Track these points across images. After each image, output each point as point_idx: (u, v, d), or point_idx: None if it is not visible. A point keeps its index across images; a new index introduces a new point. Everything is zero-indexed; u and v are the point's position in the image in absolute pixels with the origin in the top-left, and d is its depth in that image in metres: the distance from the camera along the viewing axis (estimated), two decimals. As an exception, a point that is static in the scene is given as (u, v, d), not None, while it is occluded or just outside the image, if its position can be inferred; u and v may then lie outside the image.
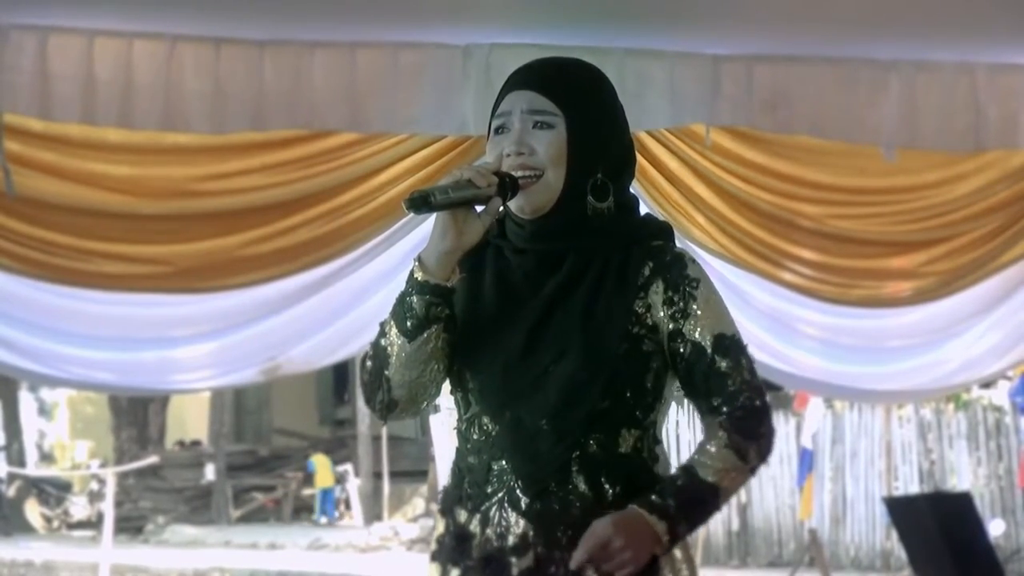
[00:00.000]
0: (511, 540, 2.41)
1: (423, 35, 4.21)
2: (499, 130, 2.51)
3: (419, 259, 2.44)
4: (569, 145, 2.46)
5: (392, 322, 2.44)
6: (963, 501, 7.02)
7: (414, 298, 2.42)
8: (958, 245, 4.76)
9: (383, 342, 2.46)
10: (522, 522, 2.40)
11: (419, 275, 2.42)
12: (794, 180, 4.63)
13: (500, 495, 2.42)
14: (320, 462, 20.85)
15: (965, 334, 4.94)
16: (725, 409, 2.43)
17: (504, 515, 2.42)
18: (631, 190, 2.60)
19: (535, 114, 2.47)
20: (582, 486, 2.40)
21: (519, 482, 2.41)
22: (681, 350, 2.45)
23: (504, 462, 2.43)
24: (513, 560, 2.40)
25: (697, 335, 2.44)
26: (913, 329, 4.90)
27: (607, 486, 2.40)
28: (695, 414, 2.52)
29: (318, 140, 4.32)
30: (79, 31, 4.05)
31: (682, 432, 12.80)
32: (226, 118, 4.14)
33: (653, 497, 2.37)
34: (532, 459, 2.41)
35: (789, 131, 4.46)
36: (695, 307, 2.45)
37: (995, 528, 12.15)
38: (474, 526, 2.45)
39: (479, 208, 2.42)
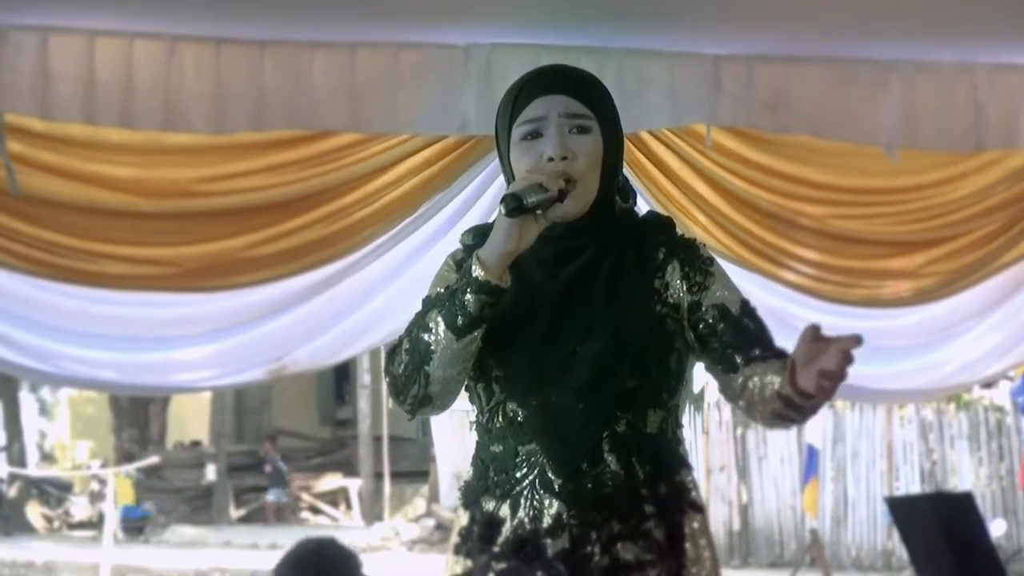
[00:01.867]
0: (545, 522, 2.42)
1: (424, 35, 4.21)
2: (531, 135, 2.50)
3: (478, 258, 2.43)
4: (604, 150, 2.50)
5: (439, 319, 2.43)
6: (964, 501, 7.01)
7: (469, 296, 2.41)
8: (959, 245, 4.77)
9: (427, 337, 2.44)
10: (556, 503, 2.41)
11: (479, 273, 2.41)
12: (795, 180, 4.63)
13: (531, 478, 2.44)
14: (120, 482, 19.98)
15: (966, 334, 4.94)
16: (767, 353, 2.42)
17: (536, 497, 2.43)
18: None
19: (573, 118, 2.48)
20: (614, 465, 2.42)
21: (550, 463, 2.43)
22: (704, 315, 2.48)
23: (533, 445, 2.44)
24: (548, 542, 2.41)
25: (720, 301, 2.48)
26: (914, 329, 4.90)
27: (637, 465, 2.42)
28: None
29: (321, 140, 4.33)
30: (79, 31, 4.06)
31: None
32: (227, 118, 4.14)
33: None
34: (563, 440, 2.42)
35: (789, 131, 4.46)
36: (713, 281, 2.51)
37: (996, 528, 12.15)
38: (504, 512, 2.45)
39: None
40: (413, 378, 2.47)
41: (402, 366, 2.48)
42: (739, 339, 2.46)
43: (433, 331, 2.44)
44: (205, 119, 4.13)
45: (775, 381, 2.36)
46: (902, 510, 7.34)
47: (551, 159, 2.46)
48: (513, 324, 2.48)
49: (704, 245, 2.56)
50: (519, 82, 2.55)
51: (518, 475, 2.45)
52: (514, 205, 2.36)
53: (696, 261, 2.52)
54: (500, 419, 2.48)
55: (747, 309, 2.50)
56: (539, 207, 2.40)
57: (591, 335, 2.44)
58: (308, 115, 4.19)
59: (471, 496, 2.53)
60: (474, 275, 2.41)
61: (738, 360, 2.45)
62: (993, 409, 14.24)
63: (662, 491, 2.44)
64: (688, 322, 2.49)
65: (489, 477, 2.49)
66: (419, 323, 2.46)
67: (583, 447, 2.42)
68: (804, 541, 12.78)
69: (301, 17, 4.06)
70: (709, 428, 13.71)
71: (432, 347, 2.44)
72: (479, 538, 2.48)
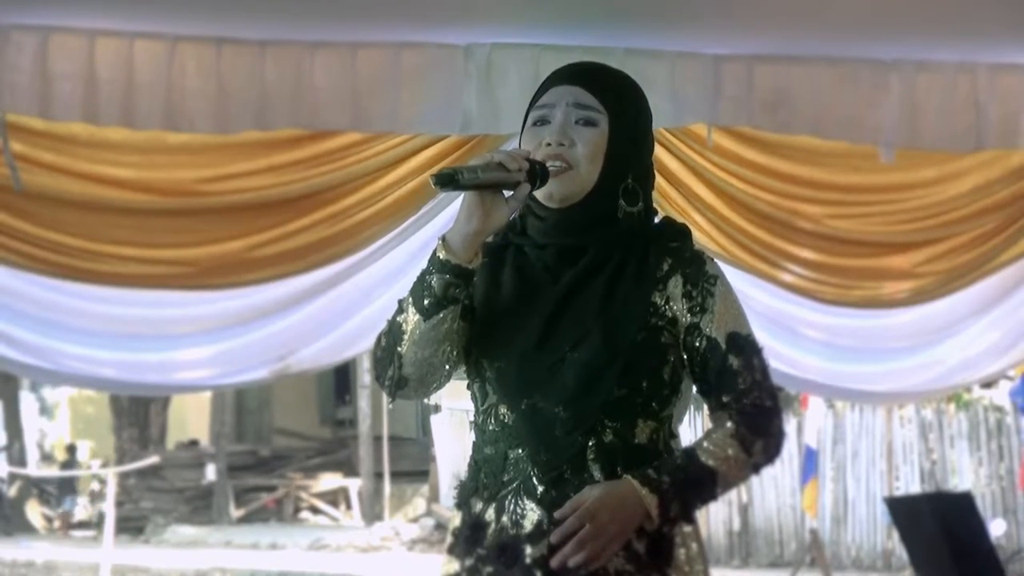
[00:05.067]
0: (526, 528, 2.42)
1: (424, 35, 4.22)
2: (539, 122, 2.52)
3: (443, 239, 2.45)
4: (608, 145, 2.48)
5: (410, 299, 2.46)
6: (964, 501, 7.01)
7: (434, 277, 2.43)
8: (956, 244, 4.77)
9: (399, 319, 2.48)
10: (537, 510, 2.41)
11: (441, 254, 2.44)
12: (793, 179, 4.63)
13: (516, 483, 2.44)
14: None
15: (963, 333, 4.94)
16: (735, 405, 2.45)
17: (520, 503, 2.43)
18: None
19: (580, 108, 2.50)
20: (598, 475, 2.41)
21: (535, 469, 2.43)
22: (697, 344, 2.47)
23: (520, 450, 2.44)
24: (527, 548, 2.41)
25: (712, 331, 2.47)
26: (912, 329, 4.90)
27: (622, 475, 2.41)
28: (701, 416, 2.55)
29: (323, 140, 4.33)
30: (80, 31, 4.06)
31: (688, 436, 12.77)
32: (228, 118, 4.15)
33: (649, 471, 2.38)
34: (548, 446, 2.42)
35: (790, 131, 4.46)
36: (712, 303, 2.48)
37: (996, 528, 12.15)
38: (489, 515, 2.46)
39: (507, 193, 2.43)
40: (388, 360, 2.50)
41: (380, 348, 2.51)
42: (719, 379, 2.47)
43: (404, 312, 2.47)
44: (206, 119, 4.13)
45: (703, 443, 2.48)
46: (902, 510, 7.34)
47: (548, 144, 2.47)
48: (509, 325, 2.49)
49: (712, 260, 2.53)
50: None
51: (505, 479, 2.45)
52: (442, 178, 2.38)
53: (700, 279, 2.49)
54: (493, 421, 2.48)
55: (735, 343, 2.48)
56: (493, 186, 2.40)
57: (582, 342, 2.43)
58: (310, 115, 4.19)
59: (463, 496, 2.54)
60: (437, 255, 2.43)
61: (712, 401, 2.49)
62: (993, 409, 14.24)
63: None
64: (684, 342, 2.48)
65: (479, 479, 2.50)
66: (398, 305, 2.49)
67: (567, 454, 2.41)
68: (804, 541, 12.80)
69: (302, 17, 4.07)
70: (709, 428, 13.71)
71: (403, 328, 2.46)
72: (466, 540, 2.49)
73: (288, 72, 4.16)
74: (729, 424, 2.44)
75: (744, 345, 2.48)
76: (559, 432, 2.42)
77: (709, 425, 2.53)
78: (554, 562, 2.35)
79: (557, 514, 2.36)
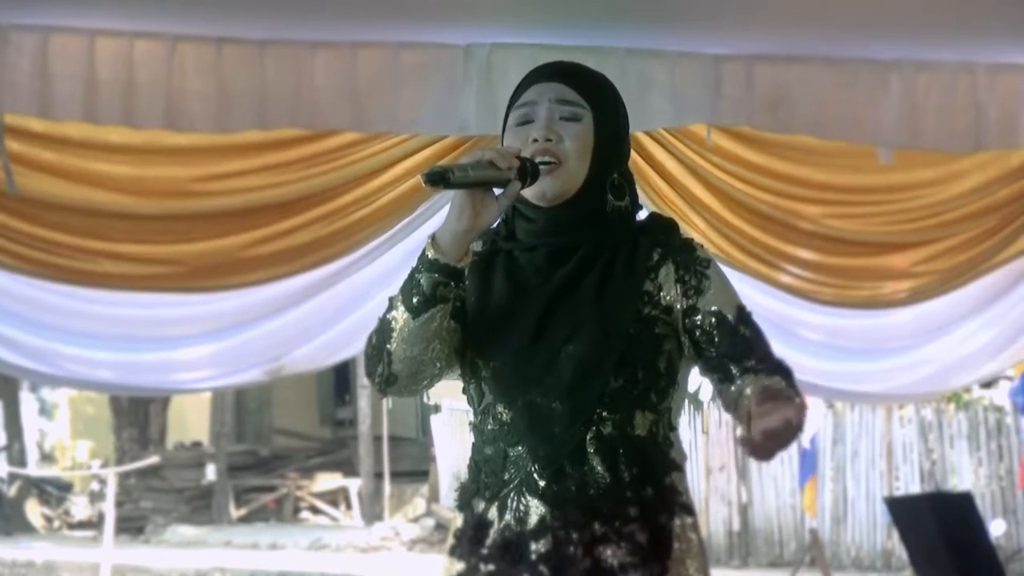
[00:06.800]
0: (530, 524, 2.42)
1: (424, 35, 4.22)
2: (523, 120, 2.53)
3: (433, 237, 2.45)
4: (595, 139, 2.49)
5: (399, 297, 2.47)
6: (964, 501, 7.01)
7: (422, 276, 2.44)
8: (955, 243, 4.77)
9: (389, 316, 2.48)
10: (540, 505, 2.42)
11: (430, 253, 2.44)
12: (792, 180, 4.64)
13: (517, 480, 2.44)
14: None
15: (961, 332, 4.94)
16: (760, 366, 2.42)
17: (522, 500, 2.43)
18: None
19: (564, 104, 2.51)
20: (599, 467, 2.42)
21: (535, 465, 2.43)
22: (699, 321, 2.47)
23: (520, 447, 2.45)
24: (531, 544, 2.42)
25: (716, 307, 2.47)
26: (910, 328, 4.90)
27: (623, 468, 2.42)
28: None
29: (319, 140, 4.33)
30: (80, 31, 4.06)
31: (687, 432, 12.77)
32: (228, 118, 4.15)
33: (766, 382, 2.36)
34: (548, 440, 2.42)
35: (789, 131, 4.47)
36: (708, 284, 2.50)
37: (996, 528, 12.14)
38: (492, 514, 2.47)
39: (497, 191, 2.43)
40: (377, 357, 2.50)
41: (370, 345, 2.52)
42: (735, 348, 2.45)
43: (394, 310, 2.47)
44: (206, 119, 4.13)
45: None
46: (902, 510, 7.34)
47: (535, 140, 2.47)
48: (502, 325, 2.49)
49: (702, 246, 2.55)
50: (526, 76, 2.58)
51: (505, 478, 2.46)
52: (432, 176, 2.36)
53: (692, 263, 2.51)
54: (491, 421, 2.49)
55: (743, 315, 2.49)
56: (484, 184, 2.40)
57: (576, 335, 2.44)
58: (310, 115, 4.19)
59: (464, 498, 2.54)
60: (427, 254, 2.43)
61: (733, 370, 2.45)
62: (993, 409, 14.22)
63: (648, 494, 2.43)
64: (683, 326, 2.48)
65: (480, 479, 2.50)
66: (388, 303, 2.50)
67: (566, 447, 2.42)
68: (804, 541, 12.79)
69: (302, 17, 4.07)
70: (709, 428, 13.73)
71: (392, 325, 2.46)
72: (469, 540, 2.49)
73: (288, 72, 4.16)
74: (766, 376, 2.40)
75: (749, 319, 2.50)
76: (557, 426, 2.42)
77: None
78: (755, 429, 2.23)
79: (754, 410, 2.27)
